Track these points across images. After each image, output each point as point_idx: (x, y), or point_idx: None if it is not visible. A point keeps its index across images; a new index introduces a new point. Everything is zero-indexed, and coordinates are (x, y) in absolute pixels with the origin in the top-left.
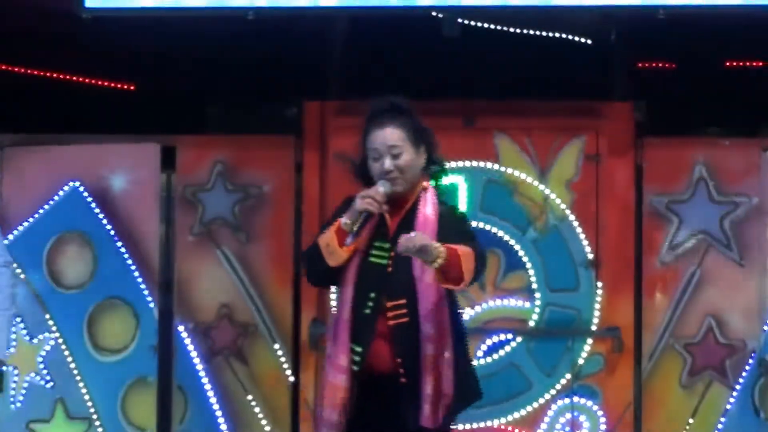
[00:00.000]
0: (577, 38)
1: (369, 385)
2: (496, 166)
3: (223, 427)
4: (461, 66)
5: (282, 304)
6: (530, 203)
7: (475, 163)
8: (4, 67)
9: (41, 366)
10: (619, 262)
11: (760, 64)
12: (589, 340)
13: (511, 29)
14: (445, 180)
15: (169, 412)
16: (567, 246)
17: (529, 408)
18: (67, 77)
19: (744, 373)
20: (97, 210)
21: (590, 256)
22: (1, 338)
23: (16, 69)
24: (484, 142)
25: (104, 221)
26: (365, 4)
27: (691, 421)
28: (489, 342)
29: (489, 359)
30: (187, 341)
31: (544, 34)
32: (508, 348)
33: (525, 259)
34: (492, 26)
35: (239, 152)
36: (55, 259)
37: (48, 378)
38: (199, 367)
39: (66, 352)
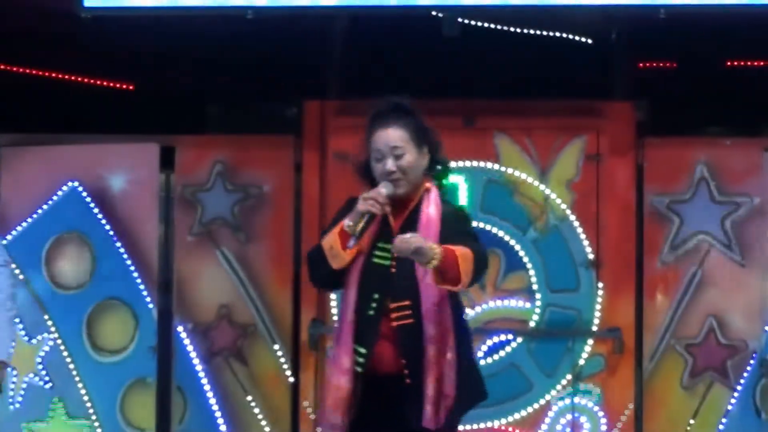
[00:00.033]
0: (577, 38)
1: (373, 386)
2: (496, 166)
3: (223, 427)
4: (461, 65)
5: (282, 304)
6: (531, 203)
7: (475, 163)
8: (2, 67)
9: (40, 366)
10: (619, 263)
11: (762, 63)
12: (590, 341)
13: (512, 29)
14: (449, 180)
15: (169, 412)
16: (567, 246)
17: (529, 409)
18: (66, 77)
19: (745, 374)
20: (96, 210)
21: (591, 256)
22: (3, 339)
23: (14, 68)
24: (484, 142)
25: (103, 221)
26: (365, 4)
27: (692, 421)
28: (489, 342)
29: (489, 360)
30: (187, 342)
31: (544, 33)
32: (508, 348)
33: (525, 259)
34: (492, 26)
35: (239, 152)
36: (54, 260)
37: (47, 379)
38: (199, 367)
39: (65, 353)
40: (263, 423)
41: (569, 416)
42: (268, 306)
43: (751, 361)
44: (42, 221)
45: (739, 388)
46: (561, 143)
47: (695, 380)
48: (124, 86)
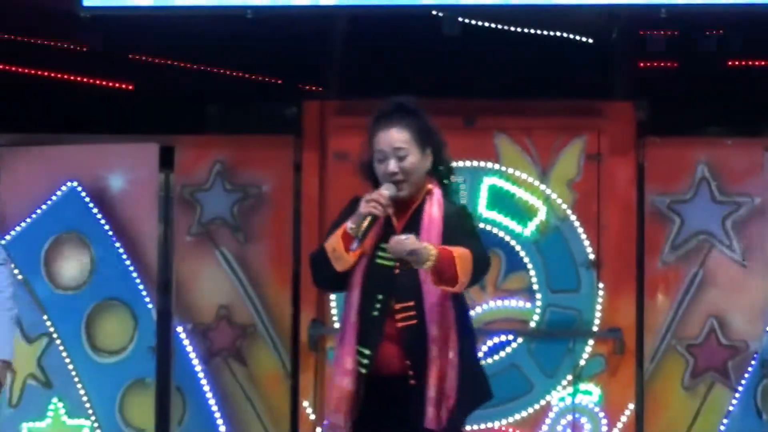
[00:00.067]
0: (578, 37)
1: (376, 387)
2: (496, 166)
3: (222, 428)
4: (461, 65)
5: (281, 304)
6: (531, 203)
7: (475, 163)
8: (1, 67)
9: (39, 367)
10: (620, 263)
11: (762, 63)
12: (591, 341)
13: (512, 28)
14: (452, 179)
15: (168, 413)
16: (568, 246)
17: (530, 409)
18: (66, 77)
19: (746, 375)
20: (95, 210)
21: (591, 256)
22: (6, 339)
23: (13, 68)
24: (484, 141)
25: (102, 221)
26: (365, 3)
27: (693, 422)
28: (490, 343)
29: (490, 360)
30: (186, 342)
31: (545, 33)
32: (508, 349)
33: (526, 259)
34: (492, 25)
35: (238, 152)
36: (53, 260)
37: (45, 379)
38: (198, 368)
39: (64, 353)
40: (262, 424)
41: (570, 417)
42: (268, 306)
43: (752, 362)
44: (41, 221)
45: (740, 388)
46: (561, 143)
47: (696, 381)
48: (124, 86)
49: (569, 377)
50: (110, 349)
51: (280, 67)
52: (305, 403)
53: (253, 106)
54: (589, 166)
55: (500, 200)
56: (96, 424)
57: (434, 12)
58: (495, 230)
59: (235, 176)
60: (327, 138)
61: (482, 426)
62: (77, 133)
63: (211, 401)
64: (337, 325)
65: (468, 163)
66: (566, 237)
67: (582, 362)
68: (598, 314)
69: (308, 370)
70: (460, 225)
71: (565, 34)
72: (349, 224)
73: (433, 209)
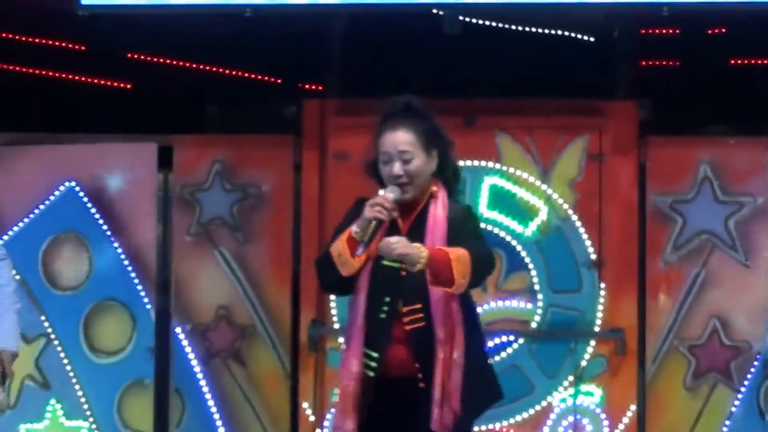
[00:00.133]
0: (579, 36)
1: (384, 390)
2: (497, 166)
3: (221, 429)
4: (462, 64)
5: (281, 305)
6: (532, 203)
7: (476, 163)
8: None
9: (36, 368)
10: (622, 263)
11: (766, 62)
12: (592, 342)
13: (513, 27)
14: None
15: (166, 414)
16: (569, 246)
17: (531, 411)
18: (63, 76)
19: (749, 376)
20: (93, 210)
21: (593, 256)
22: (13, 331)
23: (11, 67)
24: (485, 141)
25: (100, 221)
26: (365, 2)
27: (695, 424)
28: (491, 344)
29: (490, 361)
30: (185, 343)
31: (546, 31)
32: (510, 350)
33: (527, 259)
34: (493, 24)
35: (237, 152)
36: (51, 260)
37: (43, 380)
38: (197, 369)
39: (62, 354)
40: (262, 425)
41: (571, 418)
42: (267, 307)
43: (755, 363)
44: (39, 221)
45: (742, 389)
46: (563, 142)
47: (698, 382)
48: (122, 85)
49: (571, 378)
50: (108, 349)
51: (279, 66)
52: (305, 404)
53: (252, 105)
54: (590, 166)
55: (501, 200)
56: (94, 426)
57: (435, 10)
58: (496, 230)
59: (235, 176)
60: (327, 137)
61: (483, 427)
62: (75, 133)
63: (210, 402)
64: (337, 326)
65: (469, 163)
66: (567, 237)
67: (583, 363)
68: (599, 315)
69: (308, 370)
70: (463, 225)
71: (566, 33)
72: (354, 228)
73: (438, 210)
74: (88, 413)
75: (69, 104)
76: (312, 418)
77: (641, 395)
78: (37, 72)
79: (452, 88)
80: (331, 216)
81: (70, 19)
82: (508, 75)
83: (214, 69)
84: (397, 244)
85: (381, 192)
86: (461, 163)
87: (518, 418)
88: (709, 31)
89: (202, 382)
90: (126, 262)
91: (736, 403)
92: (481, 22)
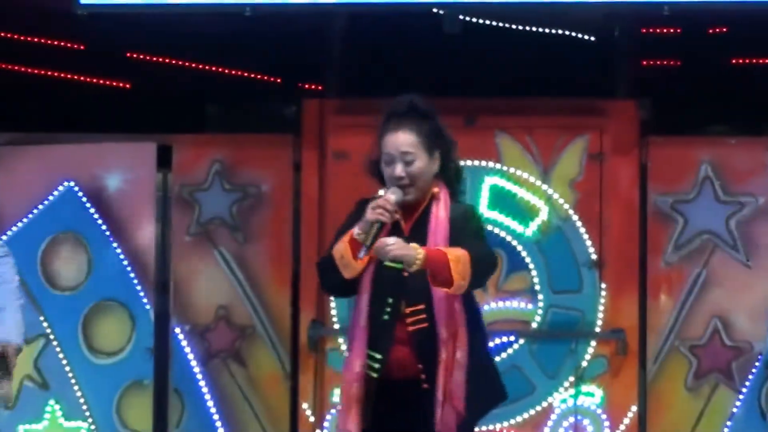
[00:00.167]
0: (580, 35)
1: (388, 391)
2: (498, 166)
3: (221, 430)
4: (462, 63)
5: (280, 305)
6: (533, 203)
7: (476, 163)
8: None
9: (35, 368)
10: (623, 263)
11: (767, 61)
12: (593, 342)
13: (514, 26)
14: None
15: (166, 415)
16: (570, 246)
17: (531, 411)
18: (62, 75)
19: (750, 376)
20: (92, 210)
21: (594, 256)
22: (18, 326)
23: (9, 66)
24: (485, 141)
25: (99, 221)
26: (365, 1)
27: (696, 424)
28: (491, 344)
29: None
30: (184, 343)
31: (546, 31)
32: (510, 350)
33: (527, 259)
34: (494, 23)
35: (237, 151)
36: (50, 260)
37: (42, 381)
38: (196, 369)
39: (61, 355)
40: (262, 426)
41: (572, 419)
42: (267, 307)
43: (757, 363)
44: (37, 221)
45: (744, 390)
46: (563, 142)
47: (700, 382)
48: (121, 85)
49: (571, 379)
50: (107, 350)
51: (279, 65)
52: (305, 405)
53: (252, 105)
54: (591, 166)
55: (501, 200)
56: (93, 426)
57: (435, 10)
58: (496, 230)
59: (234, 176)
60: (326, 137)
61: (483, 428)
62: (74, 132)
63: (210, 403)
64: (337, 326)
65: (469, 163)
66: (568, 237)
67: (584, 363)
68: (600, 315)
69: (308, 371)
70: (465, 226)
71: (566, 32)
72: (356, 231)
73: (440, 211)
74: (87, 414)
75: (68, 104)
76: (312, 419)
77: (642, 396)
78: (35, 71)
79: (452, 88)
80: (331, 216)
81: (69, 19)
82: (509, 74)
83: (213, 68)
84: (393, 245)
85: (381, 192)
86: (462, 163)
87: (519, 418)
88: (710, 31)
89: (202, 383)
90: (125, 262)
91: (738, 403)
92: (481, 21)
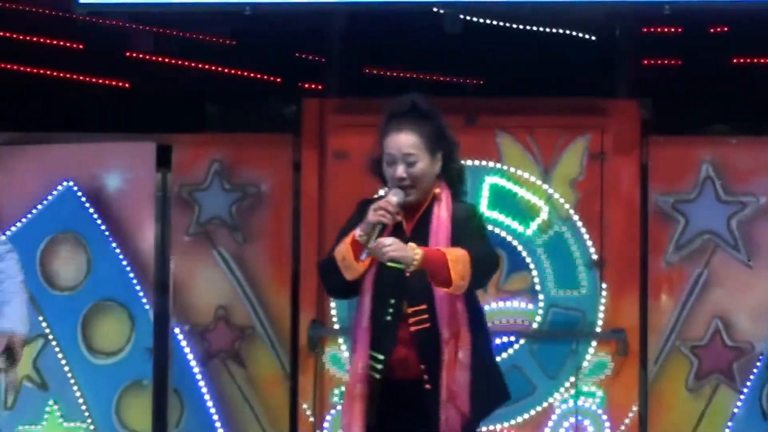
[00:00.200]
0: (580, 35)
1: (391, 392)
2: (498, 165)
3: (220, 431)
4: (462, 63)
5: (280, 305)
6: (533, 203)
7: (477, 162)
8: None
9: (34, 369)
10: (623, 263)
11: None
12: (594, 343)
13: (514, 26)
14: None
15: (165, 415)
16: (571, 246)
17: (532, 411)
18: (61, 74)
19: (752, 376)
20: (91, 210)
21: (594, 256)
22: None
23: (8, 66)
24: (486, 140)
25: (98, 221)
26: (365, 0)
27: (697, 425)
28: None
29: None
30: (184, 344)
31: (547, 30)
32: (511, 350)
33: (528, 259)
34: (494, 23)
35: (236, 151)
36: (49, 260)
37: (41, 381)
38: (196, 370)
39: (60, 355)
40: (261, 426)
41: (572, 419)
42: (267, 307)
43: (758, 363)
44: (36, 221)
45: (745, 390)
46: (564, 142)
47: (701, 382)
48: (120, 84)
49: (572, 379)
50: (107, 350)
51: (279, 65)
52: (304, 405)
53: (251, 104)
54: (592, 165)
55: (502, 200)
56: (92, 427)
57: (435, 9)
58: (497, 230)
59: (234, 175)
60: (326, 137)
61: (484, 428)
62: (73, 132)
63: (209, 403)
64: (337, 326)
65: (469, 163)
66: (569, 237)
67: (585, 364)
68: (601, 315)
69: (307, 371)
70: (466, 225)
71: (567, 32)
72: (358, 232)
73: (442, 211)
74: (87, 414)
75: (67, 103)
76: (311, 419)
77: (643, 396)
78: (34, 71)
79: (452, 87)
80: (331, 216)
81: (68, 18)
82: (509, 74)
83: (213, 68)
84: (390, 247)
85: (382, 192)
86: (462, 162)
87: (519, 419)
88: (711, 30)
89: (201, 383)
90: (124, 263)
91: (739, 404)
92: (482, 20)
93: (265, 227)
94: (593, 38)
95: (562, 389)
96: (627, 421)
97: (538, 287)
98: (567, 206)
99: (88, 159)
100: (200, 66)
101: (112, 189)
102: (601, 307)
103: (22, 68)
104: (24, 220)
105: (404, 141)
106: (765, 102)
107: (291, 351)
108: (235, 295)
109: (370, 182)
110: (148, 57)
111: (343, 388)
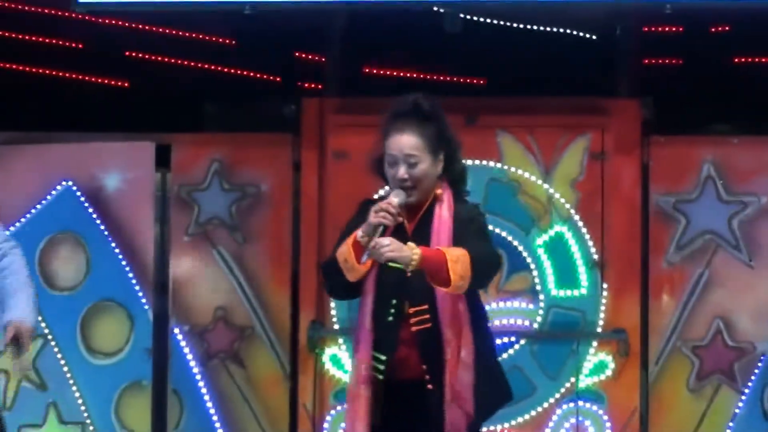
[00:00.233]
0: (581, 34)
1: (394, 392)
2: (499, 165)
3: (220, 431)
4: (463, 63)
5: (280, 305)
6: (534, 203)
7: (477, 162)
8: None
9: (34, 369)
10: (624, 263)
11: None
12: (595, 343)
13: (515, 25)
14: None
15: (164, 416)
16: (571, 246)
17: (532, 412)
18: (60, 74)
19: (753, 377)
20: (90, 210)
21: (595, 256)
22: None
23: (7, 65)
24: (486, 140)
25: (98, 221)
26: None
27: (699, 425)
28: None
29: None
30: (183, 344)
31: (548, 29)
32: (511, 351)
33: (529, 260)
34: (495, 22)
35: (236, 151)
36: (48, 261)
37: (40, 381)
38: (195, 370)
39: (59, 355)
40: (261, 427)
41: (573, 420)
42: (266, 307)
43: (759, 364)
44: (35, 221)
45: (746, 391)
46: (565, 141)
47: (702, 383)
48: (119, 84)
49: (572, 379)
50: (106, 350)
51: (278, 65)
52: (304, 406)
53: (251, 104)
54: (592, 165)
55: (502, 200)
56: (91, 427)
57: (435, 8)
58: (497, 230)
59: (233, 175)
60: (326, 136)
61: (484, 429)
62: (72, 132)
63: (209, 404)
64: (336, 327)
65: (470, 162)
66: (569, 237)
67: (586, 364)
68: (602, 315)
69: (307, 371)
70: (468, 225)
71: (568, 31)
72: (359, 234)
73: (443, 212)
74: (86, 415)
75: (66, 103)
76: (311, 420)
77: (644, 397)
78: (33, 70)
79: (453, 87)
80: (331, 216)
81: (67, 17)
82: (510, 73)
83: (212, 67)
84: (387, 247)
85: (382, 191)
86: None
87: (520, 419)
88: (713, 29)
89: (201, 384)
90: (123, 263)
91: (740, 404)
92: (482, 20)
93: (265, 227)
94: (594, 37)
95: (562, 390)
96: (628, 421)
97: (538, 287)
98: (568, 206)
99: (88, 159)
100: (199, 65)
101: (112, 189)
102: (602, 308)
103: (20, 68)
104: (23, 219)
105: (406, 142)
106: (766, 101)
107: (291, 351)
108: (235, 295)
109: (370, 182)
110: (147, 56)
111: (343, 389)
